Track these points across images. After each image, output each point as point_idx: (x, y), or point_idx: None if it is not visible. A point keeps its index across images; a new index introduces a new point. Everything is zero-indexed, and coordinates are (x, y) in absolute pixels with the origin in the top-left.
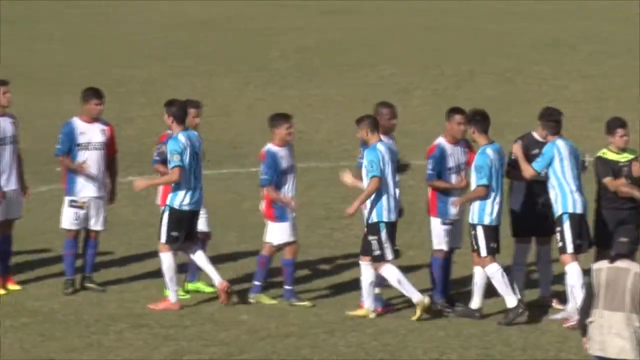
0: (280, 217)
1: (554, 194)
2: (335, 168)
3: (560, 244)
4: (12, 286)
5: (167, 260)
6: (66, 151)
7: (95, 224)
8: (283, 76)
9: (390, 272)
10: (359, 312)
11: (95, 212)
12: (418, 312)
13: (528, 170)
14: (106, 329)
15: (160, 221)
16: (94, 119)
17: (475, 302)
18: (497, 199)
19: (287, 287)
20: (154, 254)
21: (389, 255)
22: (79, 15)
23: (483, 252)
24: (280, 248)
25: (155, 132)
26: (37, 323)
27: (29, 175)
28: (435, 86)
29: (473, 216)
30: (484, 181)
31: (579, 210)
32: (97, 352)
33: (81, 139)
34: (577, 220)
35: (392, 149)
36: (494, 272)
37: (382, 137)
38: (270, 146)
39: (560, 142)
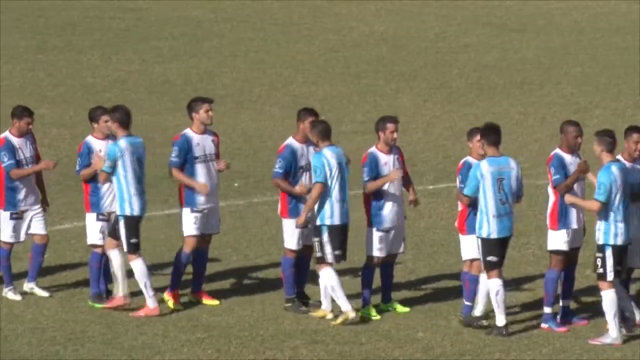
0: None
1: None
2: None
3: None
4: (210, 301)
5: (138, 266)
6: (288, 172)
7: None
8: (462, 94)
9: (327, 276)
10: (319, 312)
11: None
12: (339, 320)
13: None
14: (281, 345)
15: (118, 231)
16: (308, 138)
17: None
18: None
19: (467, 303)
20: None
21: (329, 258)
22: (261, 34)
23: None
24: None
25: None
26: (213, 338)
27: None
28: (615, 105)
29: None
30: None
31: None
32: None
33: (302, 161)
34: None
35: (340, 154)
36: (492, 286)
37: (567, 155)
38: (469, 158)
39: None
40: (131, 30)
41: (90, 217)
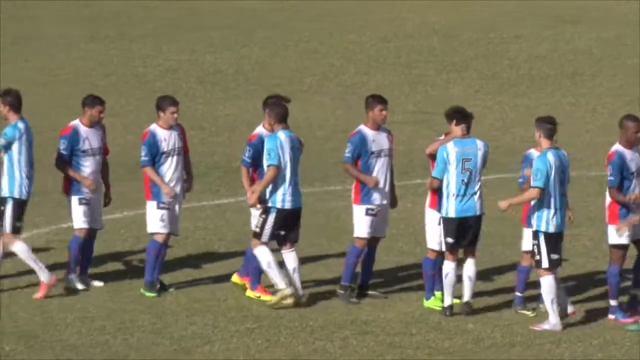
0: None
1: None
2: None
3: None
4: (265, 296)
5: (21, 248)
6: (355, 159)
7: None
8: (513, 84)
9: (262, 254)
10: (269, 297)
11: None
12: (275, 299)
13: None
14: (331, 335)
15: (3, 213)
16: (379, 126)
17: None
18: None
19: (518, 294)
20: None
21: (265, 237)
22: (313, 24)
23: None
24: None
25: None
26: (262, 328)
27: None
28: None
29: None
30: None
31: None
32: (321, 358)
33: (373, 147)
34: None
35: (293, 138)
36: (443, 268)
37: (628, 151)
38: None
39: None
40: (183, 20)
41: (151, 205)
